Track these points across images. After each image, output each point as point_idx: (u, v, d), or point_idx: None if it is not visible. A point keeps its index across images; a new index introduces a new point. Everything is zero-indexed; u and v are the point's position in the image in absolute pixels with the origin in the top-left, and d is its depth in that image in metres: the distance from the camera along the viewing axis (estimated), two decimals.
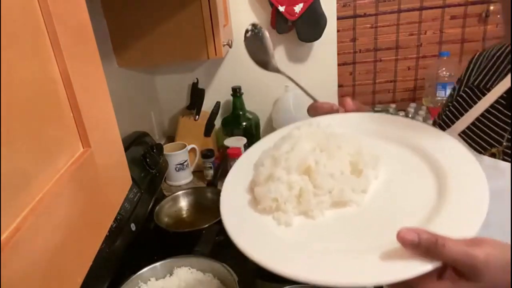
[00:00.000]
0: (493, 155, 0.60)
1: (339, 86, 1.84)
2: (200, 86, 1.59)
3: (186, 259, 0.93)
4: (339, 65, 1.69)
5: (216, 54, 1.23)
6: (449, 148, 0.54)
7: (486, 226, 0.50)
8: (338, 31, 1.62)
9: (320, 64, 1.60)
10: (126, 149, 1.15)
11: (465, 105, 0.68)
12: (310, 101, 0.69)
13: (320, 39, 1.51)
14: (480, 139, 0.63)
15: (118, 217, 0.98)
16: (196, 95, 1.58)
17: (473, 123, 0.65)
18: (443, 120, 0.73)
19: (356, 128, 0.62)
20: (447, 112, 0.72)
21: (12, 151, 0.28)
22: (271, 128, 1.64)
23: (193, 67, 1.62)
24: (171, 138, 1.68)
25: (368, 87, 2.03)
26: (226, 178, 0.59)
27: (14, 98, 0.29)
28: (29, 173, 0.30)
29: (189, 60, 1.54)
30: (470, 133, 0.65)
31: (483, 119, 0.64)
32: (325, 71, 1.61)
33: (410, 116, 1.84)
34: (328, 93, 1.64)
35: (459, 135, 0.65)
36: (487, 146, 0.62)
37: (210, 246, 1.01)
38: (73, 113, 0.37)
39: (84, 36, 0.41)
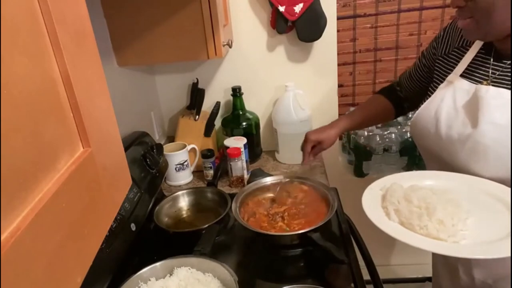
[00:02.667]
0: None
1: (339, 86, 1.83)
2: (200, 86, 1.59)
3: (186, 259, 0.93)
4: (339, 65, 1.69)
5: (216, 54, 1.23)
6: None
7: (485, 154, 0.86)
8: (338, 31, 1.62)
9: (320, 64, 1.60)
10: (126, 149, 1.15)
11: (459, 57, 0.97)
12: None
13: (320, 39, 1.51)
14: (474, 76, 0.92)
15: (118, 217, 0.98)
16: (196, 95, 1.58)
17: (467, 67, 0.95)
18: (438, 68, 1.03)
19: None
20: (441, 64, 1.02)
21: (12, 151, 0.28)
22: (271, 128, 1.64)
23: (193, 67, 1.62)
24: (171, 138, 1.68)
25: (368, 87, 2.03)
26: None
27: (14, 98, 0.29)
28: (29, 173, 0.30)
29: (189, 60, 1.54)
30: (466, 73, 0.94)
31: (473, 64, 0.94)
32: (325, 71, 1.61)
33: (409, 115, 1.83)
34: (328, 93, 1.64)
35: (461, 75, 0.94)
36: (479, 80, 0.91)
37: (210, 246, 1.01)
38: (73, 113, 0.37)
39: (84, 36, 0.41)
